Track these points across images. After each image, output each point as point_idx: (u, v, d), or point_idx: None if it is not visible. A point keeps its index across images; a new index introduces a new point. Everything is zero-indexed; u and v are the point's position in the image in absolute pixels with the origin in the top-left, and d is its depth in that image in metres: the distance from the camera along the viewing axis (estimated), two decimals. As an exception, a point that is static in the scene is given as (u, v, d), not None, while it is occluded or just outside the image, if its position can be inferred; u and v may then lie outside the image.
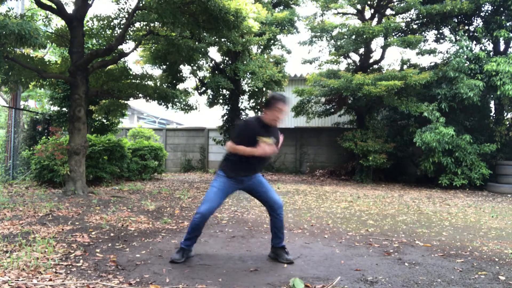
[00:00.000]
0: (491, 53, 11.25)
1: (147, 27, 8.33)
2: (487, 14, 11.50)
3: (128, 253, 3.58)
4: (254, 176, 3.47)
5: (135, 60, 11.94)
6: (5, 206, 5.72)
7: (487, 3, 10.86)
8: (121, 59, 8.81)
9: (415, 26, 12.64)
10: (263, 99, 12.84)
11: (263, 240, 4.22)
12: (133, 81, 9.28)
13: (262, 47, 11.88)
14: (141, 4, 7.33)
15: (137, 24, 8.40)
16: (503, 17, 10.66)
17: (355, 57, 13.06)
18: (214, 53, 23.72)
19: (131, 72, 9.24)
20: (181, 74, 11.57)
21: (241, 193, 8.41)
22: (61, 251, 3.52)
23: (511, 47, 11.41)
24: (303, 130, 14.64)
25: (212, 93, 12.18)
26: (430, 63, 12.65)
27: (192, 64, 11.04)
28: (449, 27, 12.18)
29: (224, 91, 11.97)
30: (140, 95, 9.28)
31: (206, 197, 3.35)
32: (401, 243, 4.24)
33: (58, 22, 9.38)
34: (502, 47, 11.42)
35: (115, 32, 8.48)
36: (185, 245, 3.37)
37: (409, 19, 12.73)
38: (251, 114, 12.90)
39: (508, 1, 10.25)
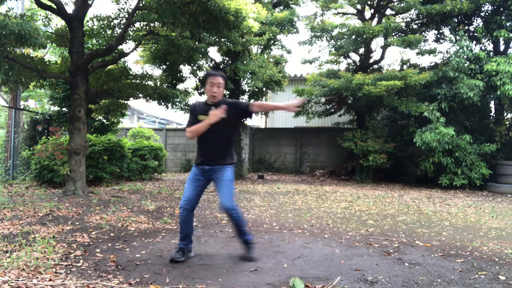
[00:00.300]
0: (491, 53, 11.25)
1: (147, 27, 8.32)
2: (487, 14, 11.50)
3: (128, 253, 3.58)
4: (218, 168, 3.37)
5: (135, 60, 11.93)
6: (5, 206, 5.72)
7: (487, 3, 10.86)
8: (121, 59, 8.81)
9: (415, 26, 12.65)
10: (263, 99, 12.85)
11: (263, 240, 4.22)
12: (133, 81, 9.28)
13: (262, 47, 11.87)
14: (141, 4, 7.33)
15: (137, 24, 8.40)
16: (503, 17, 10.66)
17: (355, 57, 13.08)
18: (214, 53, 23.74)
19: (131, 72, 9.24)
20: (181, 74, 11.57)
21: (241, 193, 8.42)
22: (61, 251, 3.52)
23: (511, 47, 11.41)
24: (303, 130, 14.63)
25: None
26: (430, 63, 12.66)
27: (192, 64, 11.03)
28: (449, 27, 12.18)
29: (224, 91, 11.96)
30: (140, 95, 9.27)
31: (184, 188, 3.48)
32: (401, 243, 4.24)
33: (58, 22, 9.38)
34: (502, 47, 11.42)
35: (115, 32, 8.48)
36: (182, 244, 3.41)
37: (409, 19, 12.73)
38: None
39: (508, 1, 10.25)
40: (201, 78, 12.28)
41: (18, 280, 2.71)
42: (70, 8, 7.81)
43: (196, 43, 9.30)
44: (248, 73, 10.16)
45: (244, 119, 3.43)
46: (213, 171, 3.38)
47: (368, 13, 12.86)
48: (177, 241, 4.05)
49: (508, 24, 10.63)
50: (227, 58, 11.90)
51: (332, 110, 12.76)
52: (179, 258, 3.33)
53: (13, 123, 10.00)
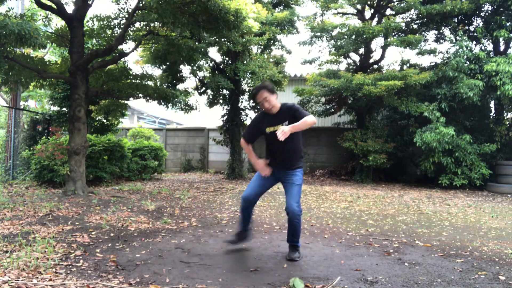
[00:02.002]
0: (491, 53, 11.25)
1: (147, 27, 8.32)
2: (487, 14, 11.50)
3: (128, 253, 3.58)
4: (288, 172, 3.51)
5: (135, 60, 11.93)
6: (5, 206, 5.72)
7: (487, 3, 10.86)
8: (121, 59, 8.81)
9: (415, 26, 12.64)
10: (261, 113, 12.83)
11: (263, 240, 4.23)
12: (133, 81, 9.28)
13: (262, 47, 11.87)
14: (141, 4, 7.33)
15: (137, 24, 8.40)
16: (503, 17, 10.66)
17: (355, 57, 13.07)
18: (214, 53, 23.72)
19: (131, 72, 9.24)
20: (181, 74, 11.56)
21: (241, 193, 8.42)
22: (61, 251, 3.52)
23: (511, 47, 11.41)
24: (303, 130, 14.63)
25: (212, 93, 12.17)
26: (430, 63, 12.65)
27: (192, 64, 11.02)
28: (449, 27, 12.18)
29: (224, 91, 11.97)
30: (140, 95, 9.27)
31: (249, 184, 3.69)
32: (401, 243, 4.24)
33: (58, 22, 9.38)
34: (502, 47, 11.42)
35: (115, 32, 8.48)
36: (240, 228, 3.74)
37: (409, 19, 12.73)
38: (251, 114, 12.90)
39: (508, 1, 10.25)
40: (201, 78, 12.29)
41: (18, 280, 2.72)
42: (70, 8, 7.82)
43: (196, 43, 9.30)
44: (248, 73, 10.16)
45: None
46: (283, 175, 3.53)
47: (368, 13, 12.86)
48: (177, 241, 4.07)
49: (508, 24, 10.62)
50: (227, 58, 11.90)
51: (332, 110, 12.75)
52: (234, 240, 3.74)
53: (13, 123, 10.00)
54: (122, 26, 8.17)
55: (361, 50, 12.63)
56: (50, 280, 2.78)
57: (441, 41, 12.77)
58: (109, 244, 3.85)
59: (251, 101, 12.64)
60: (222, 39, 9.35)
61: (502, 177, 10.50)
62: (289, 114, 3.44)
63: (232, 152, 12.16)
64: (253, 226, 3.91)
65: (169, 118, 28.72)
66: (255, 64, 10.20)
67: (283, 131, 3.15)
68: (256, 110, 12.60)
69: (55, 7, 7.10)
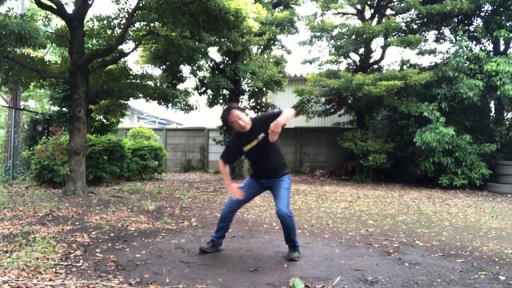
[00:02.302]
0: (491, 53, 11.25)
1: (147, 27, 8.32)
2: (487, 14, 11.50)
3: (128, 253, 3.58)
4: (275, 180, 3.53)
5: (135, 60, 11.93)
6: (5, 206, 5.72)
7: (487, 3, 10.86)
8: (121, 59, 8.81)
9: (415, 26, 12.64)
10: (263, 99, 12.84)
11: (263, 240, 4.23)
12: (133, 81, 9.28)
13: (262, 47, 11.87)
14: (141, 4, 7.33)
15: (137, 24, 8.40)
16: (503, 17, 10.66)
17: (355, 57, 13.07)
18: (214, 53, 23.72)
19: (131, 72, 9.24)
20: (181, 74, 11.56)
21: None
22: (61, 251, 3.52)
23: (511, 47, 11.41)
24: (303, 130, 14.63)
25: (212, 93, 12.17)
26: (430, 63, 12.65)
27: (192, 64, 11.02)
28: (449, 27, 12.18)
29: (224, 91, 11.97)
30: (140, 95, 9.27)
31: None
32: (401, 243, 4.24)
33: (58, 22, 9.38)
34: (502, 47, 11.42)
35: (115, 32, 8.48)
36: (214, 237, 3.68)
37: (409, 19, 12.73)
38: (251, 114, 12.89)
39: (508, 1, 10.25)
40: (201, 78, 12.28)
41: (18, 280, 2.71)
42: (70, 8, 7.83)
43: (196, 43, 9.29)
44: (248, 73, 10.16)
45: None
46: (271, 183, 3.56)
47: (368, 13, 12.86)
48: (177, 241, 4.06)
49: (508, 24, 10.62)
50: (227, 58, 11.90)
51: (332, 110, 12.75)
52: (208, 249, 3.62)
53: (13, 123, 10.00)
54: (122, 26, 8.17)
55: (361, 50, 12.63)
56: (50, 280, 2.78)
57: (441, 41, 12.77)
58: (109, 244, 3.85)
59: (251, 101, 12.64)
60: (222, 39, 9.35)
61: (502, 177, 10.50)
62: (263, 123, 3.37)
63: (232, 152, 12.13)
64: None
65: (169, 118, 28.72)
66: (255, 64, 10.20)
67: (272, 131, 3.17)
68: (256, 111, 12.60)
69: (55, 7, 7.10)
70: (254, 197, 3.75)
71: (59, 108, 10.47)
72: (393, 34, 12.38)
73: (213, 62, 11.98)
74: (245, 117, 3.42)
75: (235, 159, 3.71)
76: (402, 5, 11.69)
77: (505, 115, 11.25)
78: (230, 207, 3.60)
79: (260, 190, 3.68)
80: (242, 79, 11.03)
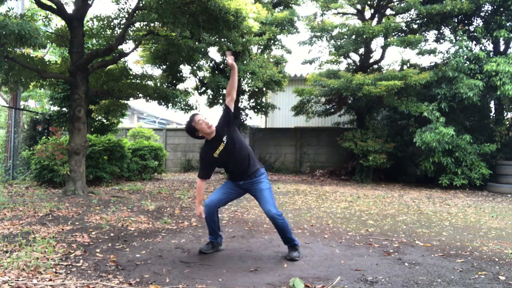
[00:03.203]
0: (491, 53, 11.25)
1: (147, 27, 8.32)
2: (487, 14, 11.50)
3: (128, 253, 3.58)
4: (253, 181, 3.49)
5: (135, 60, 11.93)
6: (5, 206, 5.72)
7: (487, 3, 10.86)
8: (121, 59, 8.81)
9: (415, 26, 12.64)
10: (263, 99, 12.84)
11: (263, 240, 4.22)
12: (133, 81, 9.28)
13: (262, 47, 11.87)
14: (141, 4, 7.33)
15: (137, 24, 8.40)
16: (503, 17, 10.66)
17: (355, 57, 13.07)
18: (214, 53, 23.70)
19: (131, 72, 9.24)
20: (181, 74, 11.56)
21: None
22: (61, 251, 3.52)
23: (511, 47, 11.41)
24: (303, 130, 14.63)
25: (212, 93, 12.17)
26: (430, 63, 12.65)
27: (192, 64, 11.03)
28: (449, 27, 12.18)
29: (224, 91, 11.96)
30: (140, 95, 9.27)
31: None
32: (401, 243, 4.24)
33: (58, 22, 9.38)
34: (502, 47, 11.42)
35: (115, 32, 8.48)
36: (210, 238, 3.71)
37: (409, 19, 12.73)
38: (251, 114, 12.90)
39: (508, 1, 10.25)
40: (201, 78, 12.28)
41: (18, 280, 2.71)
42: (70, 8, 7.82)
43: (196, 43, 9.29)
44: (248, 73, 10.16)
45: (232, 121, 3.46)
46: (249, 185, 3.52)
47: (368, 13, 12.86)
48: (177, 241, 4.07)
49: (508, 24, 10.62)
50: (227, 58, 11.89)
51: (332, 110, 12.75)
52: (207, 250, 3.63)
53: (13, 123, 10.00)
54: (122, 26, 8.17)
55: (361, 50, 12.63)
56: (50, 280, 2.78)
57: (441, 41, 12.77)
58: (109, 244, 3.85)
59: (251, 101, 12.64)
60: (222, 39, 9.34)
61: (502, 177, 10.50)
62: (223, 126, 3.41)
63: (232, 152, 12.14)
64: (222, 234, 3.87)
65: (169, 118, 28.73)
66: (255, 64, 10.20)
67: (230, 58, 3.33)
68: (255, 111, 12.61)
69: (55, 7, 7.10)
70: (235, 198, 3.69)
71: (59, 108, 10.47)
72: (393, 34, 12.38)
73: (213, 62, 11.98)
74: (209, 120, 3.41)
75: (212, 170, 3.60)
76: (402, 5, 11.69)
77: (505, 115, 11.25)
78: (206, 204, 3.55)
79: (239, 191, 3.61)
80: (242, 79, 11.02)
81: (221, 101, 12.45)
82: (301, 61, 13.48)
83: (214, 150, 3.41)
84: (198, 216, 3.54)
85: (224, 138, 3.39)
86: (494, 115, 11.45)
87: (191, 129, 3.42)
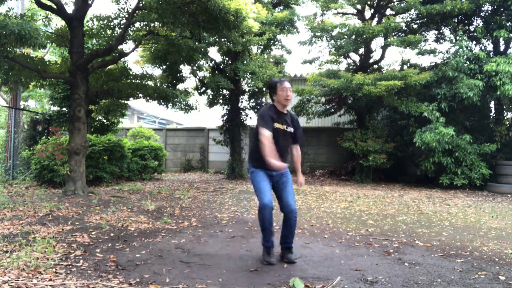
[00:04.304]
0: (491, 53, 11.25)
1: (147, 27, 8.32)
2: (487, 14, 11.50)
3: (128, 253, 3.58)
4: (284, 173, 3.49)
5: (135, 60, 11.93)
6: (5, 206, 5.72)
7: (487, 3, 10.86)
8: (121, 59, 8.81)
9: (415, 26, 12.64)
10: (263, 99, 12.83)
11: (263, 240, 4.22)
12: (133, 81, 9.28)
13: (262, 47, 11.87)
14: (141, 4, 7.33)
15: (137, 24, 8.40)
16: (503, 17, 10.66)
17: (355, 57, 13.07)
18: (214, 53, 23.75)
19: (131, 72, 9.24)
20: (181, 74, 11.56)
21: (241, 193, 8.42)
22: (61, 251, 3.52)
23: (511, 47, 11.40)
24: (303, 130, 14.59)
25: (212, 93, 12.18)
26: (430, 63, 12.65)
27: (192, 64, 11.03)
28: (449, 27, 12.18)
29: (224, 91, 11.97)
30: (140, 95, 9.27)
31: (258, 190, 3.39)
32: (401, 243, 4.24)
33: (58, 22, 9.39)
34: (502, 47, 11.42)
35: (115, 32, 8.48)
36: (267, 244, 3.44)
37: (409, 19, 12.73)
38: (251, 114, 12.89)
39: (508, 1, 10.25)
40: (201, 78, 12.29)
41: (18, 280, 2.71)
42: (70, 8, 7.83)
43: (196, 43, 9.29)
44: (248, 73, 10.16)
45: (298, 128, 3.66)
46: (280, 176, 3.48)
47: (368, 13, 12.86)
48: (177, 241, 4.06)
49: (508, 24, 10.62)
50: (227, 58, 11.90)
51: (332, 110, 12.75)
52: (274, 261, 3.39)
53: (13, 123, 10.00)
54: (122, 26, 8.17)
55: (361, 50, 12.63)
56: (50, 280, 2.78)
57: (441, 41, 12.77)
58: (109, 244, 3.85)
59: (251, 100, 12.64)
60: (222, 39, 9.35)
61: (502, 177, 10.50)
62: (293, 122, 3.56)
63: (232, 152, 12.17)
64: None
65: (169, 118, 28.73)
66: (255, 64, 10.19)
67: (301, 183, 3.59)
68: (255, 111, 12.60)
69: (55, 7, 7.10)
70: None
71: (59, 108, 10.47)
72: (393, 34, 12.38)
73: (213, 62, 11.98)
74: (291, 93, 3.49)
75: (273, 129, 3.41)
76: (402, 5, 11.69)
77: (505, 115, 11.25)
78: (269, 205, 3.24)
79: (271, 185, 3.48)
80: (242, 79, 11.03)
81: (221, 101, 12.47)
82: (301, 61, 13.49)
83: (277, 121, 3.42)
84: (284, 168, 3.33)
85: (289, 129, 3.50)
86: (494, 115, 11.45)
87: (273, 86, 3.46)
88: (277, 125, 3.42)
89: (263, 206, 3.27)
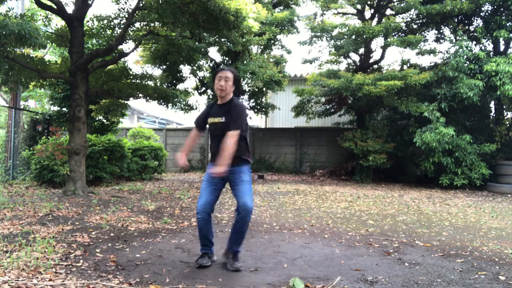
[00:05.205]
0: (491, 53, 11.25)
1: (147, 27, 8.32)
2: (487, 14, 11.50)
3: (128, 253, 3.58)
4: (235, 170, 3.15)
5: (135, 60, 11.94)
6: (5, 206, 5.72)
7: (487, 3, 10.87)
8: (121, 59, 8.81)
9: (415, 26, 12.64)
10: (263, 99, 12.84)
11: (263, 240, 4.22)
12: (133, 81, 9.28)
13: (262, 47, 11.88)
14: (141, 4, 7.33)
15: (137, 24, 8.40)
16: (503, 17, 10.66)
17: (355, 57, 13.08)
18: (214, 53, 23.72)
19: (131, 72, 9.24)
20: (181, 74, 11.57)
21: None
22: (61, 251, 3.52)
23: (511, 47, 11.41)
24: (303, 130, 14.63)
25: (212, 93, 12.18)
26: (430, 63, 12.66)
27: (192, 64, 11.04)
28: (449, 27, 12.18)
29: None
30: (140, 95, 9.27)
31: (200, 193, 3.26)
32: (401, 243, 4.24)
33: (58, 22, 9.38)
34: (502, 47, 11.42)
35: (115, 32, 8.48)
36: (205, 250, 3.26)
37: (409, 19, 12.73)
38: (251, 114, 12.89)
39: (508, 1, 10.25)
40: (201, 78, 12.29)
41: (18, 280, 2.71)
42: (70, 8, 7.83)
43: (196, 43, 9.30)
44: (248, 73, 10.17)
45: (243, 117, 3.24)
46: (230, 173, 3.13)
47: (368, 13, 12.87)
48: (177, 241, 4.06)
49: (508, 24, 10.63)
50: (227, 58, 11.91)
51: (332, 110, 12.76)
52: (206, 263, 3.21)
53: (13, 123, 10.00)
54: (122, 26, 8.17)
55: (361, 50, 12.63)
56: (50, 280, 2.78)
57: (441, 41, 12.77)
58: (109, 244, 3.85)
59: (251, 100, 12.65)
60: (222, 39, 9.35)
61: (502, 177, 10.50)
62: (232, 111, 3.15)
63: (232, 152, 12.14)
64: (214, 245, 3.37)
65: (169, 118, 28.72)
66: (255, 64, 10.20)
67: (216, 171, 2.97)
68: (255, 111, 12.60)
69: (55, 7, 7.10)
70: (219, 194, 3.27)
71: (59, 108, 10.47)
72: (393, 34, 12.39)
73: (213, 62, 11.98)
74: (230, 85, 3.20)
75: (203, 125, 3.40)
76: (402, 5, 11.69)
77: (505, 115, 11.26)
78: (202, 211, 3.12)
79: (223, 183, 3.25)
80: (242, 79, 11.03)
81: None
82: (301, 61, 13.50)
83: (211, 116, 3.26)
84: (182, 165, 3.26)
85: (222, 119, 3.17)
86: (494, 115, 11.46)
87: (214, 73, 3.33)
88: (211, 119, 3.26)
89: (197, 212, 3.15)
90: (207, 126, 3.39)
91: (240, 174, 3.16)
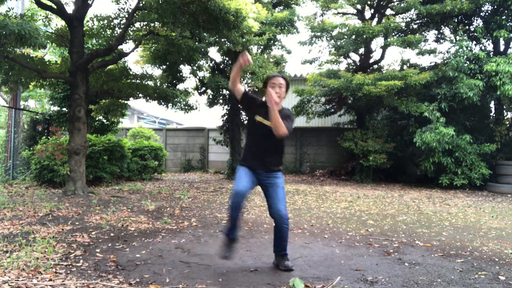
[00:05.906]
0: (491, 53, 11.25)
1: (147, 27, 8.32)
2: (487, 14, 11.50)
3: (128, 253, 3.58)
4: (271, 175, 3.20)
5: (135, 60, 11.93)
6: (5, 206, 5.72)
7: (487, 3, 10.87)
8: (121, 59, 8.81)
9: (415, 26, 12.64)
10: (263, 99, 12.83)
11: (263, 240, 4.22)
12: (133, 81, 9.28)
13: (262, 47, 11.87)
14: (141, 4, 7.33)
15: (137, 24, 8.40)
16: (503, 17, 10.66)
17: (355, 57, 13.08)
18: (214, 53, 23.71)
19: (131, 72, 9.24)
20: (181, 74, 11.56)
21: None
22: (61, 251, 3.52)
23: (511, 47, 11.41)
24: (303, 130, 14.63)
25: (212, 93, 12.17)
26: (430, 63, 12.66)
27: (192, 64, 11.03)
28: (449, 27, 12.18)
29: (224, 91, 11.97)
30: (140, 95, 9.27)
31: (236, 179, 3.18)
32: (401, 243, 4.24)
33: (58, 22, 9.37)
34: (502, 47, 11.42)
35: (115, 32, 8.48)
36: (230, 234, 3.18)
37: (409, 19, 12.73)
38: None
39: (508, 1, 10.25)
40: (201, 78, 12.28)
41: (18, 280, 2.71)
42: (70, 8, 7.82)
43: (196, 43, 9.29)
44: (248, 73, 10.16)
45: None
46: (265, 177, 3.19)
47: (368, 13, 12.87)
48: (177, 241, 4.05)
49: (508, 24, 10.63)
50: (227, 58, 11.90)
51: (332, 110, 12.75)
52: (230, 255, 3.21)
53: (13, 123, 10.00)
54: (122, 26, 8.17)
55: (361, 50, 12.63)
56: (50, 280, 2.78)
57: (441, 41, 12.77)
58: (109, 244, 3.85)
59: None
60: (222, 39, 9.34)
61: (502, 177, 10.50)
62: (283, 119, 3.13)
63: (232, 152, 12.17)
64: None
65: (169, 118, 28.70)
66: (255, 64, 10.19)
67: (275, 101, 2.96)
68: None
69: (55, 7, 7.10)
70: (252, 189, 3.20)
71: (59, 108, 10.47)
72: (393, 34, 12.39)
73: (213, 62, 11.98)
74: (284, 91, 3.19)
75: (247, 105, 3.28)
76: (402, 5, 11.69)
77: (505, 115, 11.26)
78: (238, 191, 3.03)
79: (255, 183, 3.21)
80: (242, 79, 11.02)
81: (221, 101, 12.46)
82: (301, 61, 13.50)
83: (261, 115, 3.14)
84: (246, 58, 3.00)
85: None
86: (494, 115, 11.45)
87: (266, 79, 3.21)
88: (260, 118, 3.20)
89: (234, 191, 3.05)
90: (252, 122, 3.24)
91: (276, 180, 3.21)
